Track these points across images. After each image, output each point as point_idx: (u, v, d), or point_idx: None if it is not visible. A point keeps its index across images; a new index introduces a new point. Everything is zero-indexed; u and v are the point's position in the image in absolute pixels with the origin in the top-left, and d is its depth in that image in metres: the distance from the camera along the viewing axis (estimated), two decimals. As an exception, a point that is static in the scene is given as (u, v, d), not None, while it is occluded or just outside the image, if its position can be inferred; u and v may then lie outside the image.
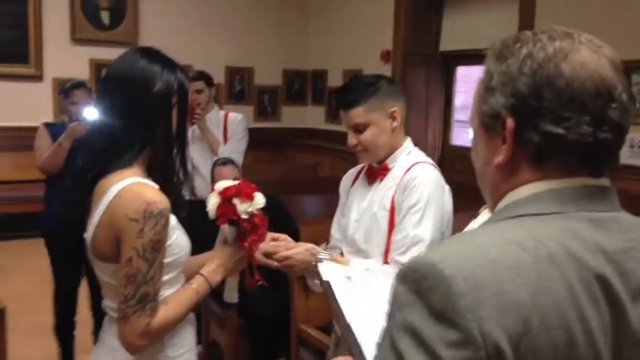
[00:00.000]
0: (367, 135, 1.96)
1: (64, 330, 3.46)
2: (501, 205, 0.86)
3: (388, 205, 1.97)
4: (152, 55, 1.52)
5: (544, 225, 0.78)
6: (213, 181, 3.35)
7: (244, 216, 1.61)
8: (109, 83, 1.55)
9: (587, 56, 0.81)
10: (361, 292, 1.47)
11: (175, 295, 1.52)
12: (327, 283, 1.46)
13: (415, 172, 1.95)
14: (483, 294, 0.70)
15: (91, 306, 3.47)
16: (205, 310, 3.19)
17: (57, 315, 3.47)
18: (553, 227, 0.78)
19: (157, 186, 1.47)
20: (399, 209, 1.93)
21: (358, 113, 1.96)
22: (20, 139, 5.44)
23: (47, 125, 3.50)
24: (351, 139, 2.00)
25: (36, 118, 4.92)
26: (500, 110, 0.83)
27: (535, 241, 0.75)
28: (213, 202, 1.63)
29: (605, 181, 0.84)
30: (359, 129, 1.97)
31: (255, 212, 1.63)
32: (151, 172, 1.52)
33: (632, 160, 3.88)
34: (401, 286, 0.75)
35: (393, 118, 1.99)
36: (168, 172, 1.53)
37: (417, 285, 0.73)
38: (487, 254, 0.74)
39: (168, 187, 1.51)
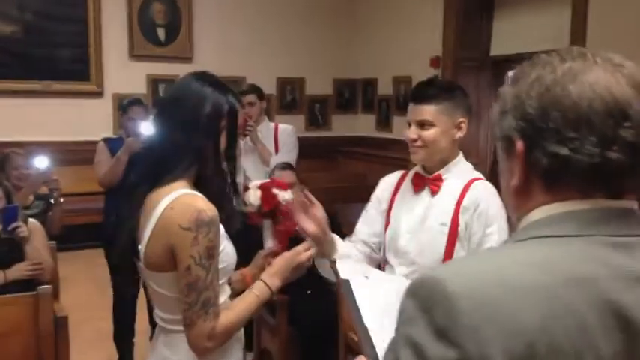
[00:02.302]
0: (430, 133, 1.96)
1: (123, 337, 3.60)
2: (519, 227, 0.86)
3: (448, 222, 1.96)
4: (206, 78, 1.60)
5: (561, 248, 0.77)
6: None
7: (284, 202, 1.78)
8: (163, 104, 1.65)
9: (600, 75, 0.79)
10: (377, 290, 1.47)
11: (238, 300, 1.61)
12: (347, 282, 1.45)
13: (480, 191, 1.96)
14: (488, 315, 0.70)
15: (149, 314, 3.60)
16: (257, 319, 3.26)
17: (116, 323, 3.61)
18: (570, 250, 0.77)
19: (204, 197, 1.54)
20: (468, 230, 1.94)
21: (429, 110, 1.95)
22: (82, 153, 5.67)
23: (106, 141, 3.66)
24: (412, 134, 1.98)
25: (97, 133, 5.14)
26: (512, 133, 0.83)
27: (551, 263, 0.75)
28: (255, 194, 1.74)
29: (628, 203, 0.81)
30: (424, 125, 1.96)
31: (290, 200, 1.81)
32: (197, 187, 1.59)
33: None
34: (409, 300, 0.76)
35: (459, 128, 1.99)
36: (215, 188, 1.60)
37: (424, 301, 0.74)
38: (500, 274, 0.74)
39: (214, 203, 1.57)
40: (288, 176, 3.38)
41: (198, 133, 1.54)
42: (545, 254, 0.77)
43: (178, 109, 1.56)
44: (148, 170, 1.57)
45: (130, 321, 3.60)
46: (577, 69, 0.80)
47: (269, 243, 1.87)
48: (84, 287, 4.84)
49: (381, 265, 2.10)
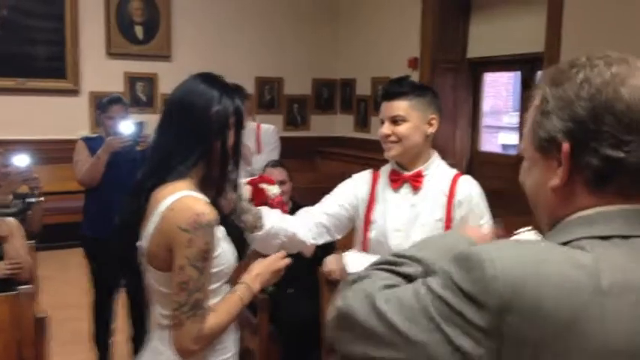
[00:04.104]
0: (403, 128, 2.03)
1: (102, 338, 3.56)
2: (557, 227, 0.87)
3: (444, 217, 2.03)
4: (211, 80, 1.64)
5: (612, 252, 0.79)
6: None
7: (272, 196, 1.87)
8: (171, 106, 1.65)
9: None
10: None
11: (223, 303, 1.62)
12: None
13: (470, 186, 2.06)
14: (518, 302, 0.74)
15: (128, 313, 3.58)
16: (239, 318, 3.27)
17: (95, 323, 3.58)
18: (621, 255, 0.78)
19: (206, 199, 1.57)
20: (464, 223, 2.01)
21: (402, 106, 2.03)
22: (59, 151, 5.61)
23: (85, 140, 3.63)
24: (386, 130, 2.05)
25: (73, 132, 5.10)
26: (556, 134, 0.84)
27: (598, 268, 0.76)
28: (245, 190, 1.84)
29: None
30: (397, 120, 2.03)
31: (278, 194, 1.92)
32: (202, 187, 1.62)
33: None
34: (452, 265, 0.81)
35: (430, 124, 2.06)
36: (220, 187, 1.64)
37: (463, 272, 0.79)
38: (544, 268, 0.76)
39: (219, 201, 1.62)
40: (279, 173, 3.46)
41: (207, 133, 1.58)
42: (594, 258, 0.78)
43: (187, 111, 1.58)
44: (154, 168, 1.59)
45: (110, 321, 3.58)
46: (624, 73, 0.82)
47: None
48: (61, 287, 4.78)
49: None
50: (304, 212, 2.12)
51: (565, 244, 0.82)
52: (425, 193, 2.06)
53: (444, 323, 0.78)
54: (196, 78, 1.64)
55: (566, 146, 0.82)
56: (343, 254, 1.77)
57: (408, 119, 2.02)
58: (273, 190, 1.91)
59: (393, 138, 2.03)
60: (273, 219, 1.92)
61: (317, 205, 2.16)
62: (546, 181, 0.86)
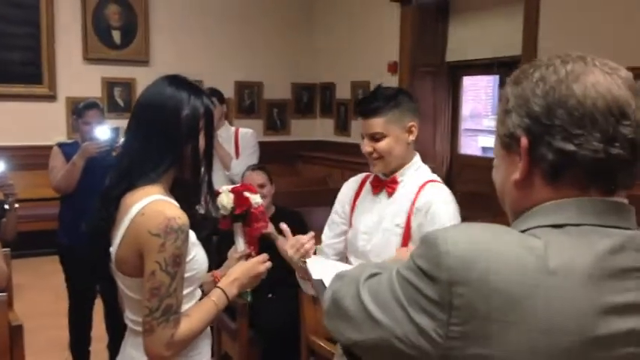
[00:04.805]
0: (383, 144, 2.01)
1: (80, 345, 3.51)
2: (522, 216, 0.90)
3: (403, 223, 2.01)
4: (179, 82, 1.61)
5: (562, 238, 0.82)
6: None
7: (255, 205, 1.85)
8: (140, 109, 1.62)
9: (600, 77, 0.84)
10: None
11: (196, 308, 1.60)
12: (320, 281, 1.46)
13: (433, 193, 2.00)
14: (468, 275, 0.78)
15: (105, 321, 3.54)
16: (218, 324, 3.24)
17: (72, 331, 3.53)
18: (570, 241, 0.82)
19: (177, 204, 1.54)
20: (421, 231, 1.96)
21: (378, 123, 2.01)
22: (35, 158, 5.53)
23: (61, 145, 3.57)
24: (367, 147, 2.04)
25: (50, 137, 5.03)
26: (516, 130, 0.88)
27: (550, 252, 0.80)
28: (228, 198, 1.82)
29: (620, 199, 0.86)
30: (376, 137, 2.02)
31: (261, 203, 1.90)
32: (173, 191, 1.60)
33: None
34: (418, 248, 0.86)
35: (410, 132, 2.05)
36: (193, 191, 1.62)
37: (421, 252, 0.84)
38: (497, 246, 0.81)
39: (192, 205, 1.59)
40: (259, 177, 3.43)
41: (178, 137, 1.55)
42: (544, 242, 0.81)
43: (156, 114, 1.56)
44: (124, 173, 1.56)
45: (87, 328, 3.53)
46: (578, 70, 0.85)
47: (241, 245, 1.88)
48: (37, 296, 4.72)
49: None
50: (326, 247, 2.19)
51: (521, 233, 0.86)
52: (395, 199, 2.06)
53: (407, 302, 0.82)
54: (164, 80, 1.61)
55: (524, 141, 0.86)
56: (307, 262, 1.75)
57: (386, 134, 2.01)
58: (256, 199, 1.89)
59: (375, 155, 2.03)
60: (319, 269, 1.88)
61: (328, 230, 2.21)
62: (510, 175, 0.90)
